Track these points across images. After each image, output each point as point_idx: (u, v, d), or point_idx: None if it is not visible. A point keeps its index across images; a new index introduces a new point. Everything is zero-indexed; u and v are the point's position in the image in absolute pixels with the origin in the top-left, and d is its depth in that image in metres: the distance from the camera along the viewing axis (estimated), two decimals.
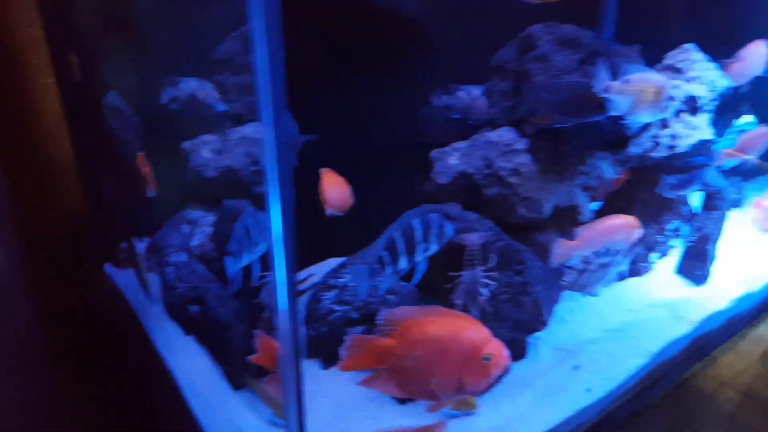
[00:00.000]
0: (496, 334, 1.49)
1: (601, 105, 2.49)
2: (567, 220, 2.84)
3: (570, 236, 2.62)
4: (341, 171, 2.48)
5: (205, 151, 2.82)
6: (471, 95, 3.15)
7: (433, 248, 1.95)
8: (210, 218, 2.76)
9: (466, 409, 2.14)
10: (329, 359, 2.40)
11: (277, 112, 1.31)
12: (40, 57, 2.65)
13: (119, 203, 2.49)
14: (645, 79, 2.44)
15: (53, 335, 2.98)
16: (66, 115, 2.77)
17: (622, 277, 3.17)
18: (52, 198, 2.86)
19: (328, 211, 2.38)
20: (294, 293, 1.49)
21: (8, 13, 2.54)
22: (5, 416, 2.70)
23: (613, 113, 2.51)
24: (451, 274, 2.36)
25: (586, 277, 3.00)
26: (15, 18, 2.55)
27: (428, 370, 1.46)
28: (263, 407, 2.18)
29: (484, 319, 2.44)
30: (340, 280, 2.49)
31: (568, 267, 2.94)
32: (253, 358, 2.00)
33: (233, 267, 2.25)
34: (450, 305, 2.36)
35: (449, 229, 1.96)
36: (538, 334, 2.57)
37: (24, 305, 2.89)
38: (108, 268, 3.09)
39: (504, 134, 2.75)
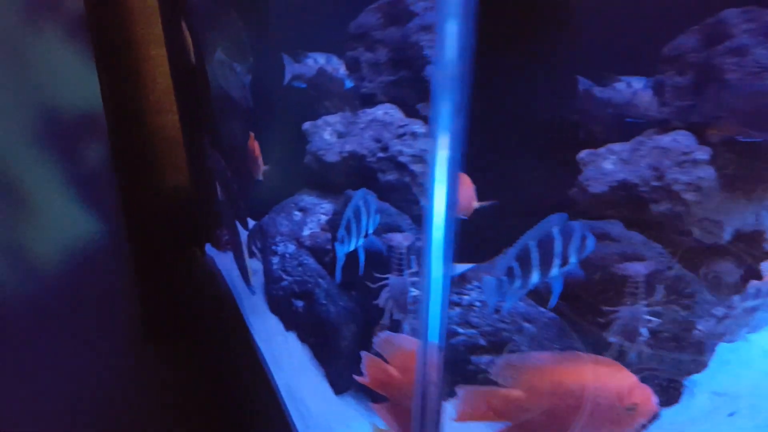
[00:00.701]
0: (651, 376, 1.15)
1: None
2: (750, 249, 2.33)
3: (754, 270, 2.13)
4: (468, 168, 2.13)
5: (327, 134, 2.57)
6: (632, 88, 2.68)
7: (572, 263, 1.70)
8: (325, 205, 2.49)
9: None
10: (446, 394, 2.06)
11: (457, 110, 0.97)
12: (153, 28, 2.51)
13: (224, 182, 2.31)
14: None
15: (151, 316, 2.88)
16: (175, 89, 2.62)
17: None
18: (157, 173, 2.74)
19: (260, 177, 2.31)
20: (445, 321, 1.16)
21: None
22: (101, 398, 2.63)
23: None
24: (605, 309, 1.96)
25: (727, 325, 2.49)
26: None
27: (562, 424, 1.24)
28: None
29: (640, 360, 2.03)
30: (464, 297, 2.15)
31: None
32: (361, 379, 1.73)
33: (340, 252, 2.05)
34: (601, 345, 1.96)
35: (591, 242, 1.70)
36: (696, 376, 2.12)
37: (123, 282, 2.80)
38: (209, 249, 2.91)
39: (680, 139, 2.27)
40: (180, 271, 2.87)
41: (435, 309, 1.05)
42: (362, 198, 2.03)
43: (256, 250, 2.75)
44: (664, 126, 2.42)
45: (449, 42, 0.81)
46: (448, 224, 1.00)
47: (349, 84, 2.61)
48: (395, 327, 2.10)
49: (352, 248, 2.03)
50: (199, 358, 2.83)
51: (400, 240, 2.11)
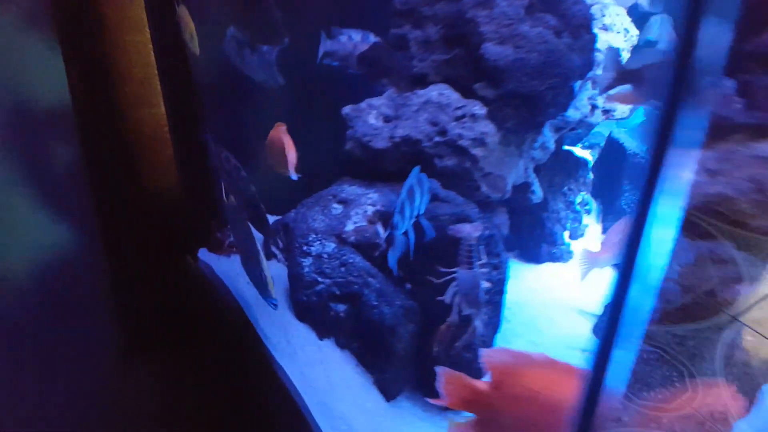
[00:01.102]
0: None
1: None
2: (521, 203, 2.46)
3: None
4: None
5: (373, 117, 2.33)
6: (353, 40, 2.50)
7: (421, 214, 1.86)
8: (372, 195, 2.24)
9: None
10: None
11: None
12: (128, 11, 2.20)
13: (235, 181, 2.04)
14: None
15: (134, 330, 2.55)
16: (162, 79, 2.31)
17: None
18: (135, 174, 2.41)
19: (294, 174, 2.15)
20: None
21: None
22: (76, 413, 2.33)
23: None
24: (442, 270, 1.87)
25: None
26: None
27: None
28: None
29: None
30: (312, 246, 2.13)
31: None
32: (437, 401, 1.48)
33: (398, 240, 1.84)
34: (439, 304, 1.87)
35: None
36: None
37: (99, 296, 2.46)
38: (205, 254, 2.54)
39: (447, 93, 2.25)
40: (167, 280, 2.53)
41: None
42: (416, 177, 1.82)
43: (277, 251, 2.48)
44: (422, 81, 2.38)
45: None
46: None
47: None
48: (464, 323, 1.86)
49: (404, 230, 1.83)
50: (194, 375, 2.51)
51: (469, 231, 1.88)
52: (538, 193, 2.61)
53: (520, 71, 2.13)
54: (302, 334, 2.09)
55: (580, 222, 2.97)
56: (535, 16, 2.25)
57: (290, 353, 2.01)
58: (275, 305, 1.81)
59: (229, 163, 2.00)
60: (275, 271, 2.18)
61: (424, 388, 2.00)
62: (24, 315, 2.28)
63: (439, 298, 1.85)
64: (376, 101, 2.39)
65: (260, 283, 1.84)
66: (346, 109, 2.39)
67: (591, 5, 2.58)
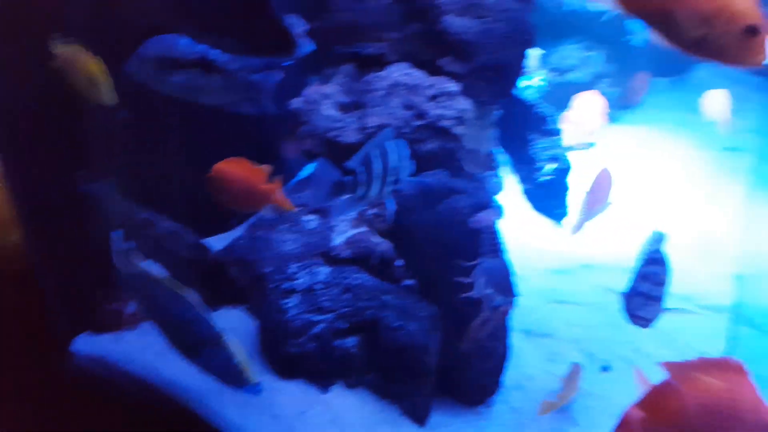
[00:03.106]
0: None
1: None
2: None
3: None
4: None
5: (328, 107, 2.07)
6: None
7: (402, 180, 1.48)
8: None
9: None
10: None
11: None
12: None
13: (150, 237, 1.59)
14: None
15: None
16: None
17: None
18: None
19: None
20: None
21: None
22: None
23: None
24: (466, 265, 1.65)
25: None
26: None
27: None
28: None
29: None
30: (296, 281, 1.78)
31: None
32: None
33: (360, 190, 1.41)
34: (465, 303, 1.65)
35: (413, 164, 1.50)
36: None
37: None
38: (86, 341, 1.85)
39: (412, 73, 2.04)
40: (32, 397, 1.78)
41: None
42: (390, 134, 1.46)
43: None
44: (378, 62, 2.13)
45: None
46: None
47: (310, 47, 2.09)
48: (497, 314, 1.71)
49: (373, 193, 1.42)
50: None
51: (489, 217, 1.74)
52: None
53: (489, 43, 2.02)
54: (296, 396, 1.71)
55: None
56: None
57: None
58: (260, 390, 1.36)
59: (137, 214, 1.59)
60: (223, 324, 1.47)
61: (454, 394, 1.84)
62: None
63: (466, 294, 1.68)
64: (326, 89, 2.12)
65: (228, 372, 1.36)
66: (296, 103, 2.09)
67: None
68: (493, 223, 1.72)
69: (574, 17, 3.66)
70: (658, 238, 1.60)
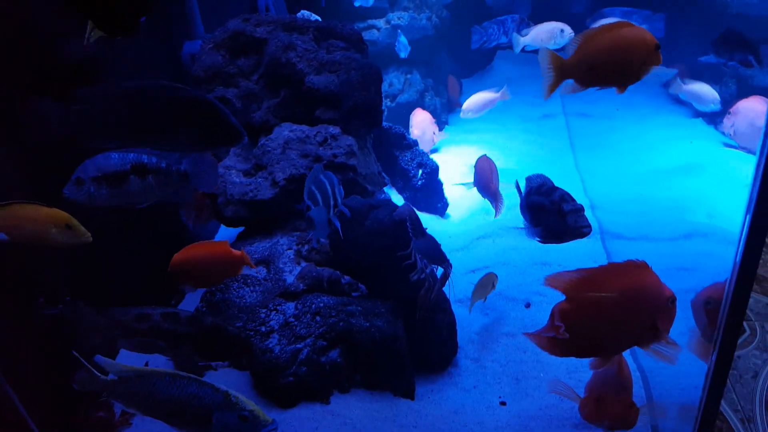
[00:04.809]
0: None
1: None
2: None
3: None
4: None
5: (236, 176, 2.34)
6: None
7: (339, 203, 1.90)
8: (283, 240, 2.25)
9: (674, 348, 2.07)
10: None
11: None
12: None
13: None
14: None
15: None
16: None
17: None
18: None
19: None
20: None
21: None
22: None
23: None
24: (402, 252, 1.96)
25: None
26: None
27: (612, 327, 1.47)
28: None
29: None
30: (271, 321, 2.02)
31: None
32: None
33: (319, 217, 1.79)
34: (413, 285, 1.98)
35: (341, 189, 1.93)
36: None
37: None
38: None
39: (297, 128, 2.43)
40: None
41: None
42: (319, 170, 1.83)
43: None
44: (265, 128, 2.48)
45: None
46: None
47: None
48: (443, 282, 2.04)
49: (324, 218, 1.79)
50: None
51: (405, 210, 2.07)
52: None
53: (350, 89, 2.46)
54: (305, 417, 1.91)
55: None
56: (323, 44, 2.61)
57: None
58: (276, 426, 1.48)
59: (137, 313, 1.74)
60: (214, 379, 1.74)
61: (426, 365, 2.17)
62: None
63: (414, 277, 1.99)
64: (228, 162, 2.41)
65: (244, 424, 1.46)
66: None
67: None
68: (412, 213, 2.10)
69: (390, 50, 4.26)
70: (536, 175, 1.97)
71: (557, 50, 1.83)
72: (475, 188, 2.64)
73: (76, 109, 1.42)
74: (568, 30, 2.98)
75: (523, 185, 2.04)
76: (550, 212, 1.83)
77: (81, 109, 1.43)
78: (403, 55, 4.08)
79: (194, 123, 1.48)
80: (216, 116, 1.52)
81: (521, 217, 2.04)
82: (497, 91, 3.54)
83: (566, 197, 1.83)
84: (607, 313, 1.46)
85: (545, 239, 1.89)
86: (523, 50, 3.32)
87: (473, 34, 3.79)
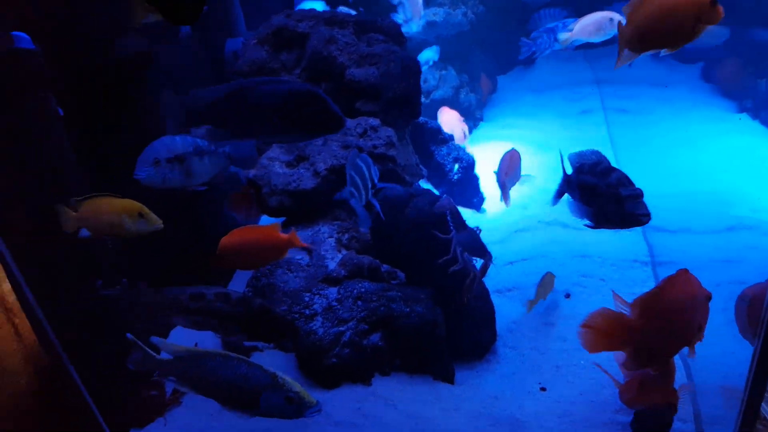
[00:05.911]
0: None
1: None
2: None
3: None
4: None
5: (279, 167, 2.41)
6: None
7: (377, 185, 1.97)
8: (324, 228, 2.32)
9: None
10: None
11: None
12: None
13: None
14: None
15: None
16: None
17: None
18: None
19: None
20: None
21: None
22: None
23: None
24: (442, 238, 2.00)
25: None
26: None
27: (675, 335, 1.55)
28: None
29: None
30: (314, 305, 2.07)
31: None
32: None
33: (358, 206, 1.89)
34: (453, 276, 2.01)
35: (377, 170, 1.99)
36: None
37: None
38: None
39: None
40: None
41: None
42: (355, 155, 1.92)
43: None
44: None
45: None
46: None
47: None
48: (483, 273, 2.08)
49: (364, 201, 1.90)
50: None
51: (446, 203, 2.13)
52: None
53: (390, 81, 2.51)
54: (347, 398, 1.95)
55: None
56: (363, 37, 2.66)
57: None
58: (320, 408, 1.50)
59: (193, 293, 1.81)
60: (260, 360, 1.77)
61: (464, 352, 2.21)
62: None
63: (453, 268, 2.03)
64: (271, 153, 2.48)
65: (290, 405, 1.49)
66: (252, 172, 2.43)
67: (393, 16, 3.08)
68: (452, 206, 2.15)
69: (425, 45, 4.29)
70: (591, 151, 1.85)
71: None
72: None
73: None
74: (617, 17, 2.83)
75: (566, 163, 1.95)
76: (605, 196, 1.66)
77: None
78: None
79: (307, 113, 1.55)
80: (324, 105, 1.58)
81: (554, 198, 1.94)
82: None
83: (623, 180, 1.65)
84: (675, 320, 1.53)
85: (597, 224, 1.74)
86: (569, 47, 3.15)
87: (522, 46, 3.68)
